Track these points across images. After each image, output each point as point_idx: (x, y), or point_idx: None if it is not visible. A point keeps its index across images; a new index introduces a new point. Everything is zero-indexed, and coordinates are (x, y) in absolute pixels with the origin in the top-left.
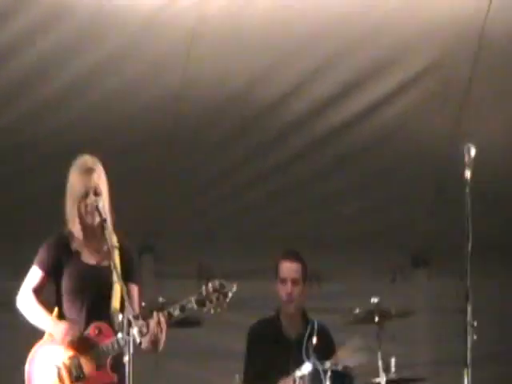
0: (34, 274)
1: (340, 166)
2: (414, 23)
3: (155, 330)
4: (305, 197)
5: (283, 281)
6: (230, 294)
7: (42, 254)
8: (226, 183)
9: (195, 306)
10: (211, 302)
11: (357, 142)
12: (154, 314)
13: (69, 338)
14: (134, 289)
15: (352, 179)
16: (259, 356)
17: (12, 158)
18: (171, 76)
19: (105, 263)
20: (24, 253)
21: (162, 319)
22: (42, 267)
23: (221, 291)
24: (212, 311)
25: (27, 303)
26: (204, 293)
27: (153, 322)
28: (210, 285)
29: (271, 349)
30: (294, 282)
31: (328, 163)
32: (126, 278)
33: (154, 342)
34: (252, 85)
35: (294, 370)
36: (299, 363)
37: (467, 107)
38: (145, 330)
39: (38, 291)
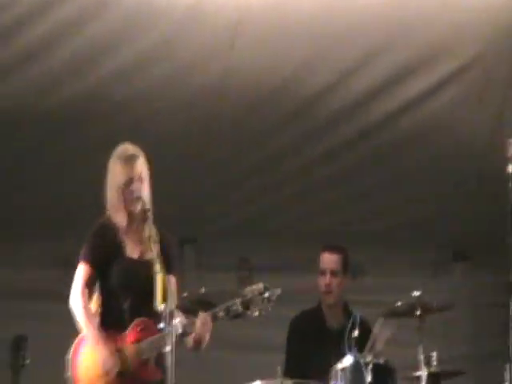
0: (83, 272)
1: (382, 159)
2: (457, 17)
3: (201, 330)
4: (347, 189)
5: (322, 272)
6: (273, 298)
7: (88, 248)
8: (268, 174)
9: (240, 309)
10: (255, 305)
11: (399, 135)
12: (200, 314)
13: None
14: (172, 280)
15: (394, 172)
16: (301, 347)
17: (58, 143)
18: (215, 64)
19: (147, 256)
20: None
21: (208, 319)
22: (89, 262)
23: (265, 295)
24: (256, 314)
25: (79, 308)
26: (249, 295)
27: (199, 322)
28: (254, 288)
29: (313, 340)
30: (333, 273)
31: (370, 155)
32: (166, 269)
33: (198, 341)
34: (296, 74)
35: (335, 362)
36: (341, 355)
37: (509, 101)
38: (190, 329)
39: (89, 289)
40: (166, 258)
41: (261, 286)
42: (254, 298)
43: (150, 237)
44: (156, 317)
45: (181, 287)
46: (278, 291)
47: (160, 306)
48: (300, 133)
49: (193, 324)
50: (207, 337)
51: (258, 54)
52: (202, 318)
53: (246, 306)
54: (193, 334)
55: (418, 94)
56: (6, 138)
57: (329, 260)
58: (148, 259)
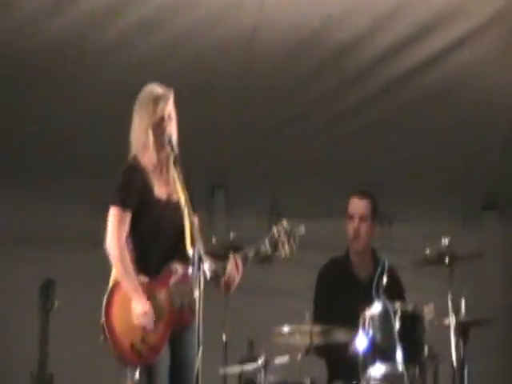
0: (117, 216)
1: (411, 112)
2: None
3: (232, 272)
4: (378, 140)
5: (351, 217)
6: (298, 236)
7: (120, 191)
8: (300, 124)
9: (269, 249)
10: (283, 244)
11: (428, 88)
12: (231, 256)
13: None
14: (196, 221)
15: (424, 124)
16: (329, 296)
17: (82, 95)
18: (245, 17)
19: (174, 198)
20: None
21: (239, 261)
22: (123, 206)
23: (290, 233)
24: (283, 254)
25: (117, 257)
26: (276, 234)
27: (229, 264)
28: (279, 226)
29: (341, 288)
30: (362, 218)
31: (400, 108)
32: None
33: (228, 284)
34: (326, 27)
35: (363, 310)
36: (369, 302)
37: None
38: (221, 272)
39: (124, 234)
40: (190, 200)
41: (285, 224)
42: (280, 236)
43: (178, 179)
44: (188, 260)
45: (210, 232)
46: (302, 229)
47: (189, 251)
48: (328, 86)
49: (223, 267)
50: (237, 279)
51: (287, 6)
52: (233, 260)
53: (274, 245)
54: (223, 278)
55: (443, 49)
56: (44, 83)
57: (358, 205)
58: (176, 201)
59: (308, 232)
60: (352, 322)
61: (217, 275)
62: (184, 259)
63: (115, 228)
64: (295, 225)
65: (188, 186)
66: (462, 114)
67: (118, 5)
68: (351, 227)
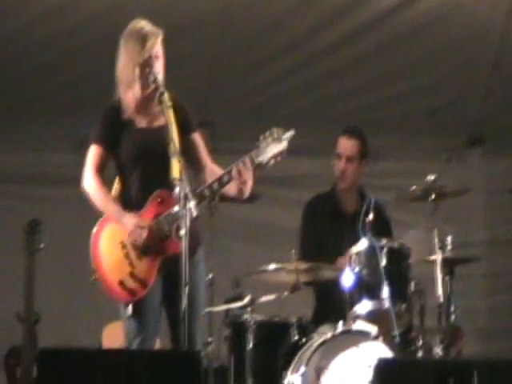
0: (95, 152)
1: (395, 46)
2: None
3: (243, 173)
4: (361, 76)
5: (338, 156)
6: (288, 139)
7: (97, 129)
8: (284, 60)
9: (256, 160)
10: (271, 151)
11: (412, 22)
12: (239, 161)
13: (135, 235)
14: (197, 137)
15: (408, 59)
16: (315, 231)
17: (65, 38)
18: None
19: (158, 123)
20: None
21: (248, 163)
22: (99, 142)
23: (278, 139)
24: (272, 162)
25: (93, 188)
26: (263, 144)
27: (235, 169)
28: (267, 135)
29: (328, 223)
30: (349, 158)
31: (383, 43)
32: (186, 130)
33: (240, 189)
34: None
35: (349, 245)
36: (355, 238)
37: None
38: (226, 178)
39: (101, 170)
40: (181, 122)
41: (274, 131)
42: (269, 144)
43: (164, 116)
44: (173, 188)
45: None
46: (291, 133)
47: (175, 185)
48: (315, 18)
49: (229, 173)
50: (250, 182)
51: None
52: (240, 163)
53: (263, 153)
54: (232, 183)
55: None
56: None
57: (346, 145)
58: (159, 126)
59: (294, 169)
60: (339, 257)
61: (222, 183)
62: (171, 185)
63: (88, 163)
64: (283, 130)
65: (183, 109)
66: (445, 50)
67: None
68: (338, 166)
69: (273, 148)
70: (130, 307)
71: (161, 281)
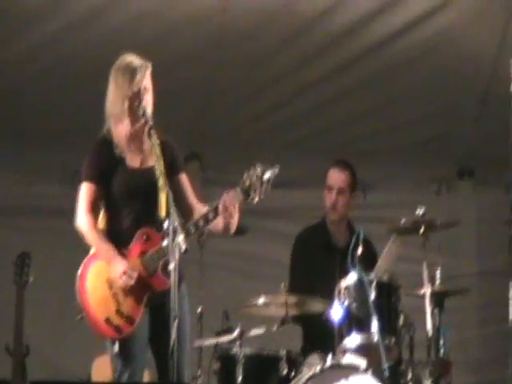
0: (86, 190)
1: (386, 78)
2: None
3: (229, 206)
4: (352, 107)
5: (330, 188)
6: (272, 177)
7: (89, 165)
8: (274, 92)
9: (241, 196)
10: (255, 190)
11: (403, 53)
12: (224, 194)
13: (122, 282)
14: (184, 178)
15: (399, 90)
16: (305, 263)
17: (59, 69)
18: None
19: (148, 164)
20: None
21: (234, 198)
22: (92, 180)
23: (263, 177)
24: (256, 199)
25: (86, 228)
26: (247, 182)
27: (222, 205)
28: (251, 172)
29: (318, 255)
30: (340, 190)
31: (374, 74)
32: (173, 171)
33: (227, 225)
34: None
35: (340, 278)
36: (345, 271)
37: None
38: (212, 215)
39: (95, 208)
40: (169, 161)
41: (258, 169)
42: (253, 182)
43: (153, 150)
44: (160, 226)
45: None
46: (276, 170)
47: (164, 222)
48: (305, 51)
49: (215, 209)
50: (236, 217)
51: None
52: (226, 196)
53: (247, 191)
54: (219, 219)
55: (425, 11)
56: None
57: (337, 177)
58: (149, 167)
59: (283, 201)
60: (328, 292)
61: (207, 220)
62: (158, 225)
63: (81, 202)
64: (268, 167)
65: (171, 149)
66: (436, 82)
67: None
68: (329, 198)
69: (257, 184)
70: (117, 344)
71: (148, 315)
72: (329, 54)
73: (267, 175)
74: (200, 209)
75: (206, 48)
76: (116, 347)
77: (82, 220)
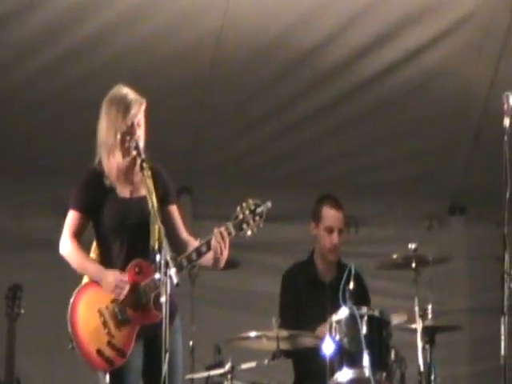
0: (73, 218)
1: (378, 113)
2: None
3: (217, 246)
4: (342, 143)
5: (330, 230)
6: (264, 213)
7: (77, 194)
8: (264, 127)
9: (233, 231)
10: (248, 224)
11: (394, 90)
12: (215, 230)
13: (118, 291)
14: (175, 209)
15: (390, 126)
16: (294, 299)
17: (49, 102)
18: (211, 18)
19: (139, 194)
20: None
21: (225, 234)
22: (79, 209)
23: (256, 211)
24: (249, 233)
25: (70, 251)
26: (240, 216)
27: (214, 240)
28: (244, 206)
29: (306, 293)
30: (340, 231)
31: (366, 110)
32: (164, 201)
33: (217, 259)
34: (292, 29)
35: (329, 313)
36: (334, 307)
37: (506, 55)
38: (204, 249)
39: (79, 235)
40: (161, 192)
41: (251, 203)
42: (246, 217)
43: (144, 183)
44: (153, 257)
45: None
46: (269, 205)
47: (155, 253)
48: (296, 87)
49: (208, 243)
50: (226, 252)
51: (254, 8)
52: (217, 234)
53: (240, 225)
54: (210, 253)
55: (416, 47)
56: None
57: (336, 218)
58: (140, 196)
59: (274, 235)
60: (319, 325)
61: (200, 253)
62: (148, 256)
63: (66, 228)
64: (261, 202)
65: (163, 180)
66: (428, 118)
67: (81, 8)
68: (329, 240)
69: (250, 218)
70: (108, 376)
71: (142, 347)
72: (320, 90)
73: (260, 209)
74: (191, 242)
75: (198, 81)
76: (107, 379)
77: (65, 245)
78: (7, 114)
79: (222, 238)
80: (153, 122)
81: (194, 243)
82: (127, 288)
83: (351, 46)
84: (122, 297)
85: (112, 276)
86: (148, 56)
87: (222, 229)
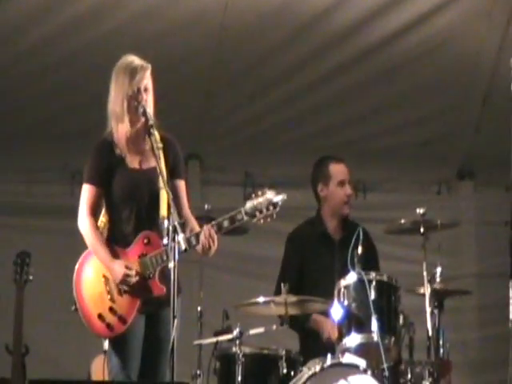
0: (89, 192)
1: (387, 78)
2: None
3: (205, 242)
4: (352, 108)
5: (342, 183)
6: (279, 204)
7: (90, 168)
8: (274, 92)
9: (245, 218)
10: (261, 212)
11: (404, 54)
12: (204, 227)
13: (124, 284)
14: (182, 185)
15: (399, 91)
16: (299, 261)
17: (57, 70)
18: None
19: (149, 165)
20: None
21: (213, 232)
22: (93, 182)
23: (271, 201)
24: (262, 221)
25: (87, 230)
26: (254, 203)
27: (202, 236)
28: (260, 194)
29: (315, 249)
30: (350, 183)
31: (375, 75)
32: (173, 175)
33: (205, 251)
34: None
35: (337, 273)
36: (343, 264)
37: None
38: (194, 241)
39: (96, 210)
40: (170, 164)
41: (267, 192)
42: (259, 205)
43: (152, 148)
44: (162, 228)
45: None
46: (284, 197)
47: (164, 222)
48: (305, 51)
49: (197, 236)
50: (214, 249)
51: None
52: (206, 231)
53: (252, 214)
54: (199, 245)
55: (425, 11)
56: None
57: (345, 171)
58: (150, 168)
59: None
60: (328, 283)
61: (190, 244)
62: (159, 227)
63: (83, 204)
64: (277, 193)
65: (175, 152)
66: (437, 83)
67: None
68: (343, 193)
69: (264, 207)
70: (107, 342)
71: (143, 319)
72: (327, 56)
73: (275, 199)
74: (191, 220)
75: (206, 48)
76: (105, 345)
77: (83, 223)
78: (18, 79)
79: (210, 235)
80: (162, 88)
81: (192, 222)
82: (134, 281)
83: (359, 10)
84: (126, 288)
85: (120, 268)
86: (157, 22)
87: (210, 226)
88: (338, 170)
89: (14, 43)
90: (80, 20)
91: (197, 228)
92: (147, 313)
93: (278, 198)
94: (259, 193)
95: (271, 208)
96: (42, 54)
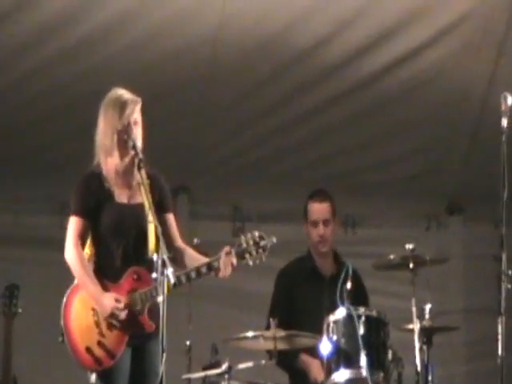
0: (76, 223)
1: (374, 113)
2: None
3: (224, 271)
4: (341, 141)
5: (314, 223)
6: (268, 247)
7: (77, 199)
8: (262, 125)
9: (235, 258)
10: (251, 254)
11: (392, 89)
12: (222, 253)
13: (109, 318)
14: (171, 217)
15: (388, 125)
16: (288, 298)
17: (45, 99)
18: (210, 13)
19: (137, 200)
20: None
21: (234, 261)
22: (80, 214)
23: (260, 244)
24: (251, 263)
25: (74, 261)
26: (244, 245)
27: (221, 262)
28: (249, 236)
29: (304, 286)
30: (325, 222)
31: (364, 109)
32: (160, 209)
33: (221, 275)
34: (290, 27)
35: (327, 310)
36: (332, 303)
37: (504, 55)
38: (204, 270)
39: (83, 241)
40: (158, 199)
41: (256, 235)
42: (249, 247)
43: (140, 183)
44: (150, 264)
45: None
46: (274, 240)
47: (153, 256)
48: (296, 83)
49: (208, 265)
50: (229, 271)
51: (251, 6)
52: (227, 258)
53: (241, 255)
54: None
55: (415, 46)
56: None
57: (319, 210)
58: (138, 203)
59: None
60: (316, 322)
61: (199, 273)
62: (148, 263)
63: (70, 236)
64: (266, 236)
65: (160, 187)
66: (426, 117)
67: (79, 8)
68: (315, 233)
69: (253, 249)
70: (94, 375)
71: (130, 351)
72: (316, 89)
73: (264, 243)
74: (187, 250)
75: (196, 79)
76: (92, 379)
77: (70, 255)
78: (5, 109)
79: (230, 262)
80: (150, 121)
81: (189, 251)
82: (123, 315)
83: (350, 44)
84: (115, 323)
85: (109, 301)
86: (145, 55)
87: (230, 254)
88: (313, 209)
89: (1, 73)
90: (69, 51)
91: (196, 255)
92: (134, 346)
93: (268, 241)
94: (249, 235)
95: (260, 251)
96: (29, 84)
